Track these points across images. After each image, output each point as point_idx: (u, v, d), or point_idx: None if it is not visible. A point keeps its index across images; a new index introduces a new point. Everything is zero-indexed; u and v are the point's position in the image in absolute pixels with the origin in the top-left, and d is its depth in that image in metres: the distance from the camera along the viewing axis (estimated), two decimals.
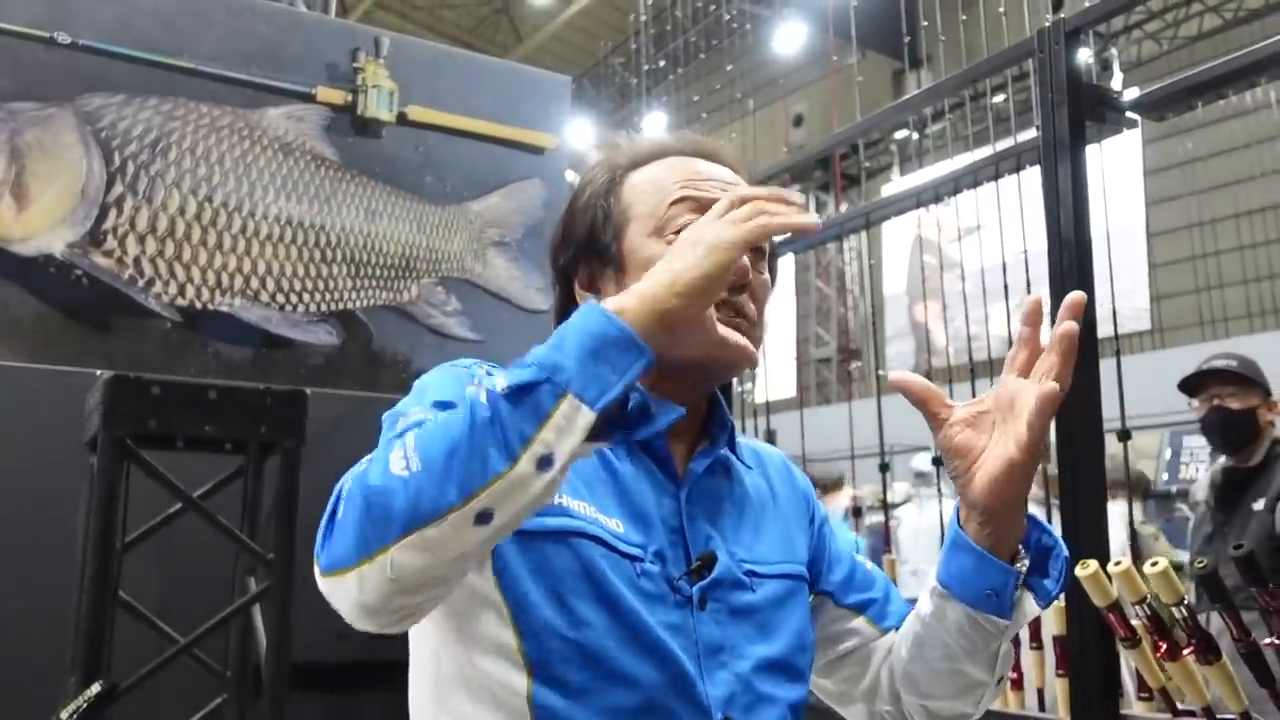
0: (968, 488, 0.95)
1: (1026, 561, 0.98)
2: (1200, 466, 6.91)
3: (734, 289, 0.97)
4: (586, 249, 1.04)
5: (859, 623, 1.14)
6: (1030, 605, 0.99)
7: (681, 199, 1.00)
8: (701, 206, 0.98)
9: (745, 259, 0.98)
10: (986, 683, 1.03)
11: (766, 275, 1.03)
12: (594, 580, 0.91)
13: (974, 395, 2.18)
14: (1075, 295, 0.91)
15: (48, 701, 2.17)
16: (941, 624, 1.00)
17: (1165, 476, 7.42)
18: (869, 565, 1.19)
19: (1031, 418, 0.89)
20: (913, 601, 1.10)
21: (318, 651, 2.31)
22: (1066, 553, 1.00)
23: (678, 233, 0.98)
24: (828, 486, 5.34)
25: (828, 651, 1.13)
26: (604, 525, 0.93)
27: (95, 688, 1.98)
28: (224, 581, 2.44)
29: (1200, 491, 3.35)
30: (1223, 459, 3.15)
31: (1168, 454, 7.51)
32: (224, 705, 2.34)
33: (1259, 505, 2.95)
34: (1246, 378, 3.05)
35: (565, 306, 1.08)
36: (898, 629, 1.12)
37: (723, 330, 0.92)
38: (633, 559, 0.93)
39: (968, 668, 1.01)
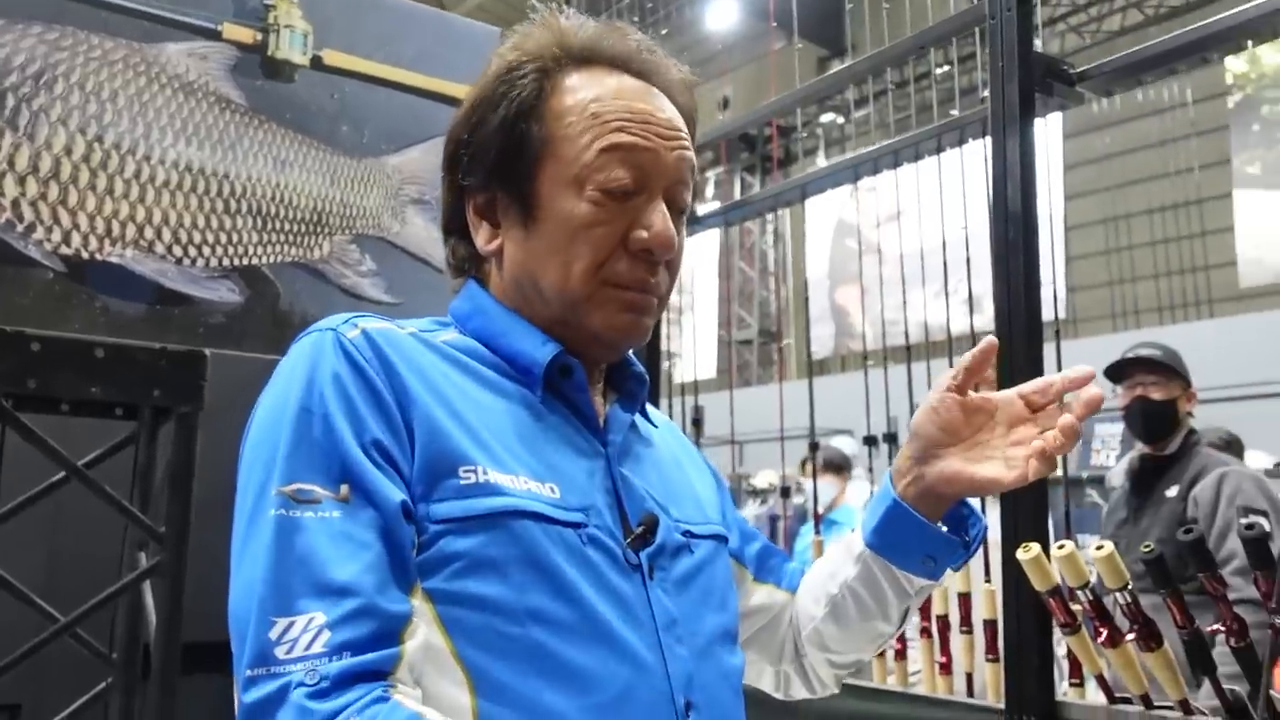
0: (929, 465, 0.97)
1: (943, 526, 1.01)
2: (1111, 454, 7.10)
3: (655, 265, 0.90)
4: (495, 173, 0.91)
5: (772, 592, 1.12)
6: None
7: (613, 147, 0.87)
8: (634, 163, 0.87)
9: (670, 224, 0.89)
10: (891, 632, 1.06)
11: (684, 238, 0.95)
12: (538, 566, 0.79)
13: (925, 380, 2.13)
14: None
15: None
16: (867, 586, 1.02)
17: (1075, 463, 7.60)
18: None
19: (1036, 467, 0.92)
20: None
21: (210, 632, 2.18)
22: (985, 523, 1.03)
23: (600, 190, 0.87)
24: (840, 468, 4.93)
25: (748, 627, 1.09)
26: (539, 495, 0.82)
27: None
28: (113, 557, 2.31)
29: (1117, 478, 3.46)
30: (1140, 447, 3.22)
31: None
32: (110, 688, 2.20)
33: (1172, 492, 3.07)
34: (1169, 367, 3.13)
35: (452, 221, 0.97)
36: (794, 590, 1.12)
37: (610, 316, 0.89)
38: (575, 525, 0.83)
39: (880, 624, 1.04)
